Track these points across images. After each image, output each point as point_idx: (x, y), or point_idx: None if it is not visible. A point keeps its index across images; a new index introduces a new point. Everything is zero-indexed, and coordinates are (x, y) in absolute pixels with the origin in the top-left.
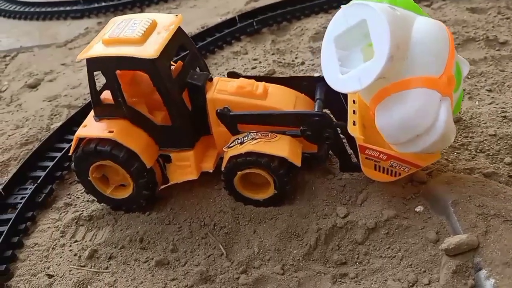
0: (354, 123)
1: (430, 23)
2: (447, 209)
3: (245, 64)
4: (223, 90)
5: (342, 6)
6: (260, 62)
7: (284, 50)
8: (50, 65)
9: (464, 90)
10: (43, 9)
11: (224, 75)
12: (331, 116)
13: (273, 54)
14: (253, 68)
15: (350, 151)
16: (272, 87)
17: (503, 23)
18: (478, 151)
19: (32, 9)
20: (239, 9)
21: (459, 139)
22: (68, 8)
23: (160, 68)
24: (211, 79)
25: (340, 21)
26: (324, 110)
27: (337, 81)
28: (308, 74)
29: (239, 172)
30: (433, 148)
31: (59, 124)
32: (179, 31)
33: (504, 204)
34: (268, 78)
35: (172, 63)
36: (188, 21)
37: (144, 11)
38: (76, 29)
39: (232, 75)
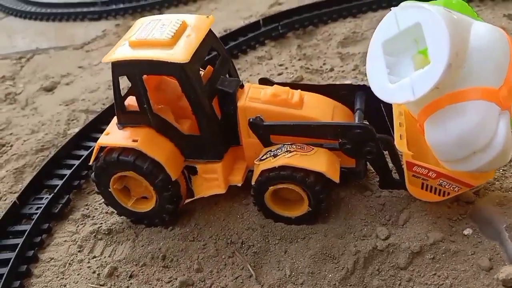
0: (401, 137)
1: (489, 29)
2: (501, 233)
3: (270, 70)
4: (255, 98)
5: (392, 8)
6: (286, 68)
7: (311, 56)
8: (67, 67)
9: None
10: (60, 10)
11: (248, 81)
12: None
13: (299, 59)
14: (279, 74)
15: (391, 165)
16: (308, 96)
17: None
18: None
19: (48, 10)
20: (262, 13)
21: None
22: (85, 9)
23: (190, 74)
24: (242, 86)
25: (390, 24)
26: (364, 122)
27: (386, 90)
28: (338, 82)
29: (271, 187)
30: (489, 167)
31: (76, 130)
32: (210, 34)
33: None
34: (303, 86)
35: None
36: None
37: (163, 13)
38: (94, 31)
39: (265, 81)
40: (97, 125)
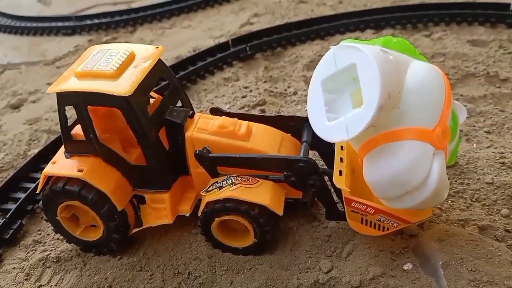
0: (340, 173)
1: (425, 69)
2: (437, 271)
3: (235, 92)
4: (203, 128)
5: (331, 47)
6: (251, 91)
7: (277, 78)
8: (36, 84)
9: (461, 131)
10: (34, 24)
11: (213, 103)
12: (321, 160)
13: (265, 81)
14: (243, 97)
15: (337, 198)
16: (257, 127)
17: (504, 58)
18: (473, 200)
19: (22, 24)
20: (233, 32)
21: (455, 185)
22: (59, 23)
23: (134, 106)
24: (192, 116)
25: (329, 62)
26: (312, 151)
27: (323, 128)
28: (300, 106)
29: (217, 219)
30: (424, 205)
31: (36, 150)
32: (159, 64)
33: (498, 269)
34: (252, 116)
35: (152, 93)
36: (180, 42)
37: (137, 30)
38: (66, 47)
39: (215, 111)
40: (57, 146)
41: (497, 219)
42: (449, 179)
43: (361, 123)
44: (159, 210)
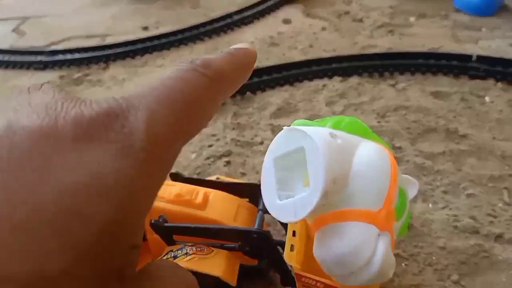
0: (291, 248)
1: (372, 152)
2: None
3: (202, 141)
4: (161, 196)
5: (284, 127)
6: (218, 140)
7: (244, 126)
8: None
9: (418, 190)
10: (6, 58)
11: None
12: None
13: (233, 129)
14: (209, 146)
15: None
16: (214, 195)
17: (464, 113)
18: (426, 264)
19: None
20: None
21: (409, 248)
22: (33, 58)
23: None
24: None
25: (281, 142)
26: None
27: (274, 206)
28: (261, 165)
29: None
30: (369, 283)
31: None
32: None
33: None
34: (210, 183)
35: None
36: None
37: (110, 67)
38: (37, 82)
39: (175, 177)
40: None
41: (447, 285)
42: (403, 241)
43: (307, 207)
44: None
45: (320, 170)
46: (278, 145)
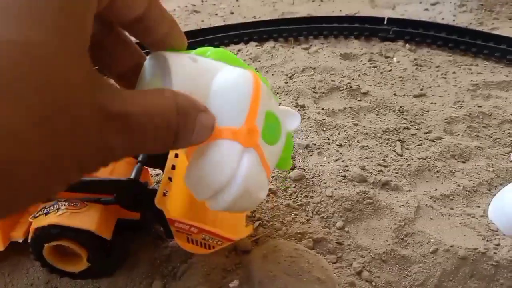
0: (165, 194)
1: (230, 76)
2: None
3: None
4: None
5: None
6: None
7: None
8: None
9: (314, 144)
10: None
11: None
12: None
13: None
14: None
15: None
16: None
17: (369, 72)
18: (314, 213)
19: None
20: None
21: (300, 199)
22: None
23: None
24: None
25: (150, 64)
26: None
27: None
28: None
29: (46, 244)
30: (239, 206)
31: None
32: None
33: (305, 286)
34: None
35: None
36: None
37: None
38: None
39: None
40: None
41: (331, 232)
42: (295, 192)
43: None
44: None
45: (170, 84)
46: (149, 67)
